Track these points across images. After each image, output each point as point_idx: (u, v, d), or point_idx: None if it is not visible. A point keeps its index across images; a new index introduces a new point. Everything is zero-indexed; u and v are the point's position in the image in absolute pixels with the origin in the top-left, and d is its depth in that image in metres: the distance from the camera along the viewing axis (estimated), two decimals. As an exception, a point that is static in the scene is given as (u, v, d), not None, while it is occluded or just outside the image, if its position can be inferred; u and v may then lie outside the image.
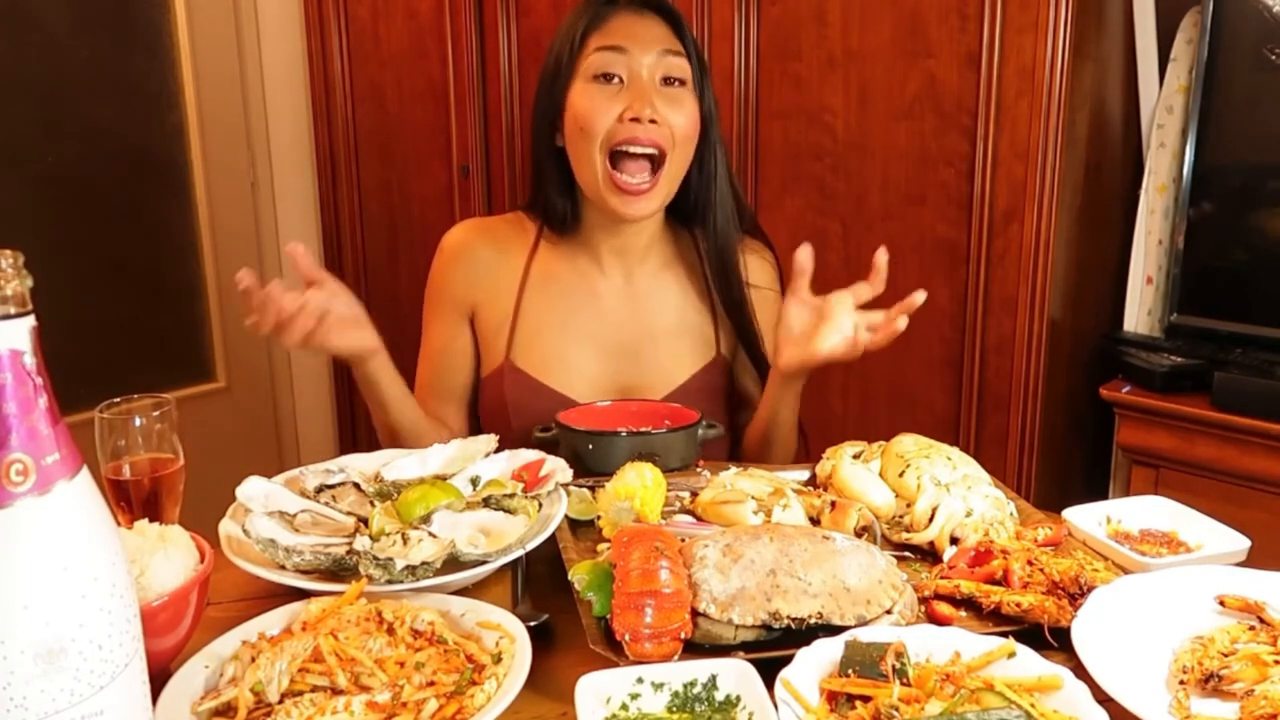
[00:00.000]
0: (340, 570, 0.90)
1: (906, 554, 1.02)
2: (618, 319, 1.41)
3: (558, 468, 1.09)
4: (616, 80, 1.28)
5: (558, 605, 0.90)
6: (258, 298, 1.12)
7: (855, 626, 0.82)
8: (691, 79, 1.32)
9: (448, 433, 1.38)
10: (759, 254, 1.47)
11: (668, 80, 1.30)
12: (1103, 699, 0.73)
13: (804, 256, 1.23)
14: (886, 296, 1.28)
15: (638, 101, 1.27)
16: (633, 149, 1.28)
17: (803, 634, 0.81)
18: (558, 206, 1.39)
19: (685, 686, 0.76)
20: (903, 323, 1.19)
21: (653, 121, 1.27)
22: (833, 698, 0.75)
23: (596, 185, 1.30)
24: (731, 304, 1.41)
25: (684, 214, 1.43)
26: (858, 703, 0.73)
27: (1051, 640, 0.84)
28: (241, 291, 1.12)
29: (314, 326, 1.14)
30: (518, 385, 1.37)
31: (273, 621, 0.83)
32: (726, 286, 1.41)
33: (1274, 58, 1.80)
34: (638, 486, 1.06)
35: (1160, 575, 0.91)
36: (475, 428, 1.46)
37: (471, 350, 1.44)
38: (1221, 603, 0.88)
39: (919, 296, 1.19)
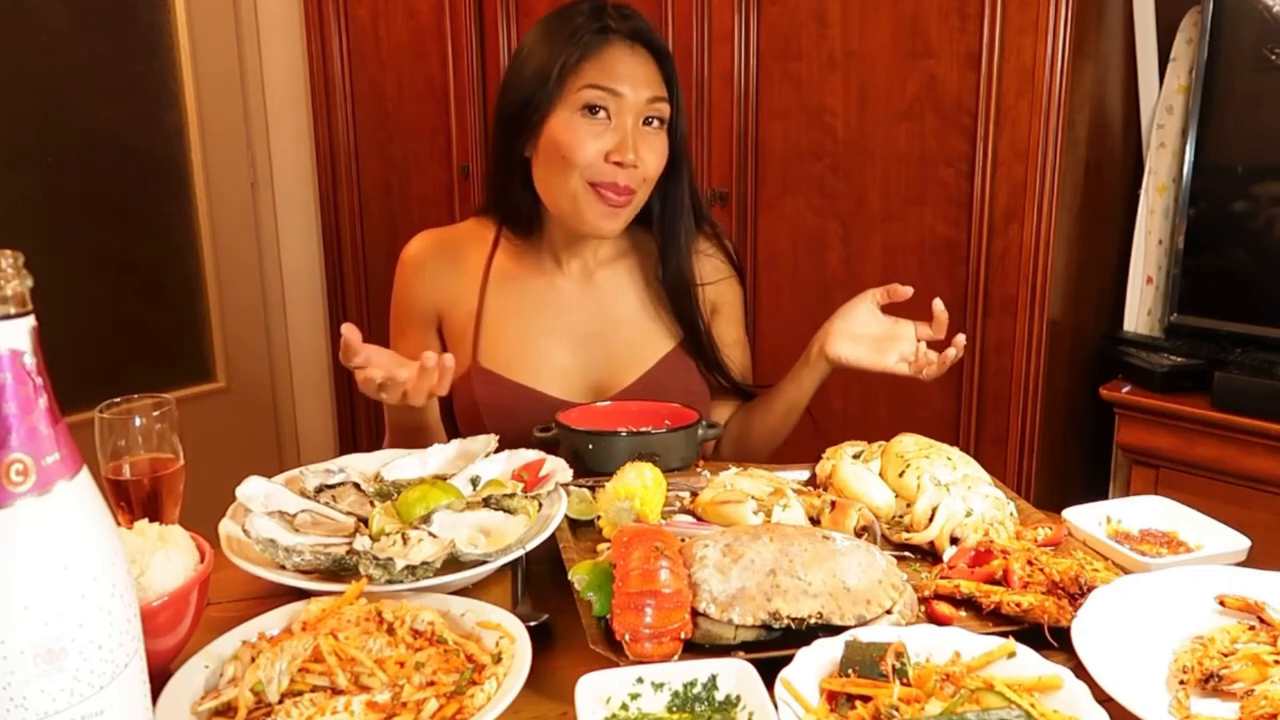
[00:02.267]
0: (340, 570, 0.90)
1: (906, 554, 1.02)
2: (580, 311, 1.43)
3: (558, 468, 1.09)
4: (603, 115, 1.29)
5: (558, 605, 0.90)
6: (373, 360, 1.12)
7: (855, 626, 0.82)
8: (668, 118, 1.34)
9: None
10: (709, 256, 1.48)
11: (647, 120, 1.31)
12: (1103, 699, 0.73)
13: (906, 291, 1.28)
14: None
15: (623, 145, 1.28)
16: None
17: (803, 634, 0.81)
18: (525, 209, 1.40)
19: (685, 686, 0.76)
20: (952, 353, 1.25)
21: (633, 166, 1.29)
22: (833, 698, 0.75)
23: (571, 203, 1.31)
24: (688, 323, 1.44)
25: (640, 217, 1.43)
26: (858, 703, 0.73)
27: (1051, 640, 0.84)
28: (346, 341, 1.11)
29: (424, 382, 1.13)
30: (486, 384, 1.38)
31: (273, 621, 0.83)
32: (683, 308, 1.43)
33: (1274, 58, 1.80)
34: (638, 486, 1.06)
35: (1160, 575, 0.91)
36: (453, 433, 1.45)
37: None
38: (1221, 603, 0.88)
39: (961, 338, 1.26)
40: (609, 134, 1.29)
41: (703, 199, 1.47)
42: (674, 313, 1.45)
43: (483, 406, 1.37)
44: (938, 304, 1.26)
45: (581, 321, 1.43)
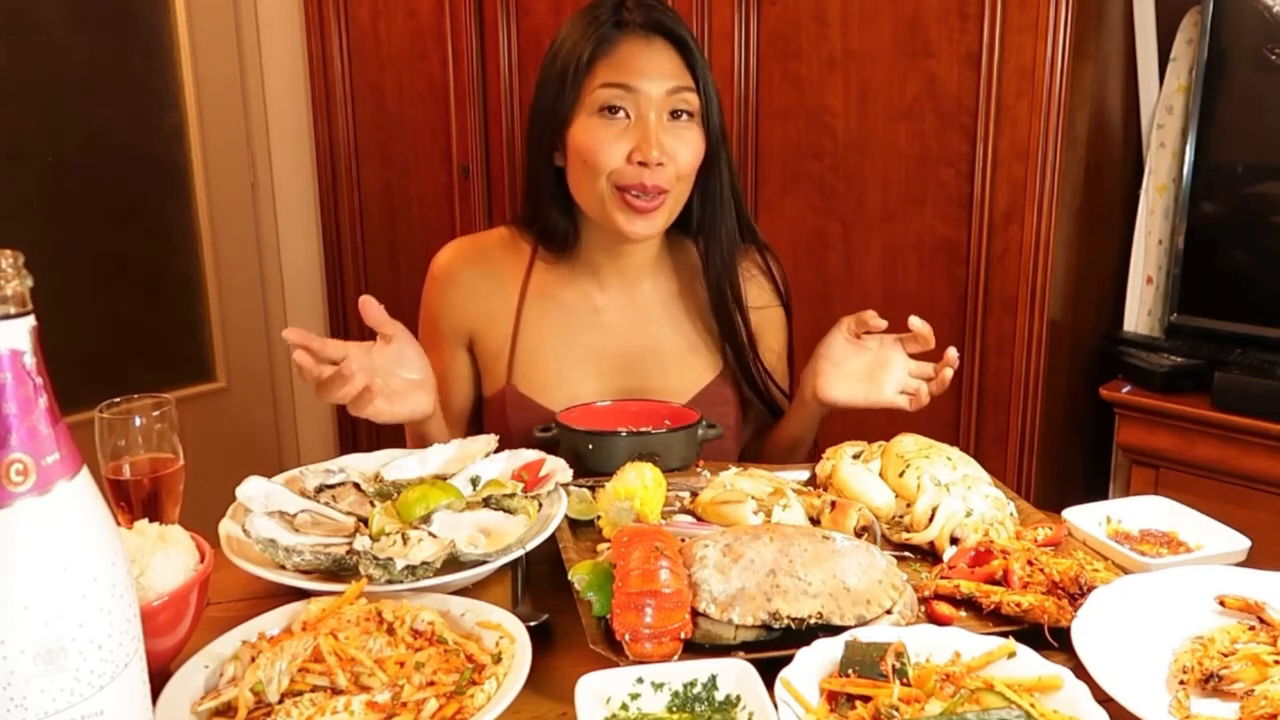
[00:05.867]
0: (340, 570, 0.90)
1: (906, 554, 1.02)
2: (620, 336, 1.38)
3: (558, 468, 1.09)
4: (622, 114, 1.23)
5: (558, 605, 0.90)
6: (311, 352, 1.06)
7: (855, 626, 0.82)
8: (699, 110, 1.27)
9: None
10: (754, 279, 1.43)
11: (675, 114, 1.25)
12: (1103, 699, 0.73)
13: (876, 321, 1.23)
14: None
15: (645, 143, 1.22)
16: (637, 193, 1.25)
17: (803, 634, 0.81)
18: (559, 226, 1.34)
19: (685, 686, 0.76)
20: (949, 374, 1.22)
21: (659, 164, 1.23)
22: (833, 698, 0.75)
23: (601, 208, 1.27)
24: (730, 330, 1.38)
25: (686, 227, 1.39)
26: (858, 703, 0.73)
27: (1051, 640, 0.84)
28: (295, 352, 1.06)
29: (361, 394, 1.10)
30: (519, 409, 1.35)
31: (273, 621, 0.83)
32: (726, 314, 1.37)
33: (1274, 58, 1.80)
34: (638, 486, 1.06)
35: (1160, 575, 0.91)
36: None
37: (470, 374, 1.42)
38: (1221, 603, 0.88)
39: (953, 352, 1.22)
40: (630, 132, 1.23)
41: (746, 206, 1.40)
42: (717, 322, 1.38)
43: (514, 429, 1.34)
44: (914, 321, 1.21)
45: (620, 348, 1.38)
